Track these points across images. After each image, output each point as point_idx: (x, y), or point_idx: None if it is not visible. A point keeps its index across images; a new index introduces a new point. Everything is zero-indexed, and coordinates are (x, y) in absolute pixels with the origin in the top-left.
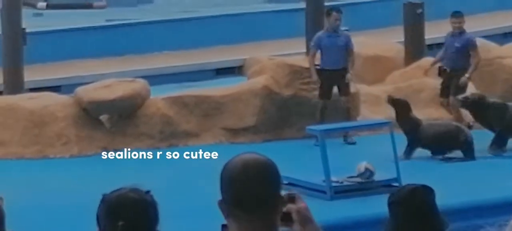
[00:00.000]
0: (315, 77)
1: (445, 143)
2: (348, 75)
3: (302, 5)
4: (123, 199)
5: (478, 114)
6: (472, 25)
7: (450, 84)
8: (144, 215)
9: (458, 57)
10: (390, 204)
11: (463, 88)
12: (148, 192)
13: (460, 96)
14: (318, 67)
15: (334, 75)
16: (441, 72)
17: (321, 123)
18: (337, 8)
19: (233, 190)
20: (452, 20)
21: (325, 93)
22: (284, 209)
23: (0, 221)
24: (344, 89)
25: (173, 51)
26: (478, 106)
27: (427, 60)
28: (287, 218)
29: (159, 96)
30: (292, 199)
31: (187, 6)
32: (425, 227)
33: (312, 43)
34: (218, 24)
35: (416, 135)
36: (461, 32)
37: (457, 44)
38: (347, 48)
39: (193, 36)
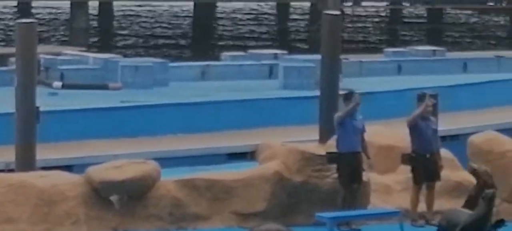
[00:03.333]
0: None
1: None
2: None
3: (316, 92)
4: None
5: None
6: (486, 118)
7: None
8: None
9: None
10: None
11: None
12: None
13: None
14: (335, 152)
15: (354, 159)
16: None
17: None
18: (355, 93)
19: None
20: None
21: (347, 178)
22: None
23: None
24: (359, 175)
25: (186, 134)
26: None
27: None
28: None
29: (170, 179)
30: None
31: (202, 91)
32: None
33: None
34: (232, 109)
35: None
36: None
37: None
38: (363, 132)
39: (206, 120)
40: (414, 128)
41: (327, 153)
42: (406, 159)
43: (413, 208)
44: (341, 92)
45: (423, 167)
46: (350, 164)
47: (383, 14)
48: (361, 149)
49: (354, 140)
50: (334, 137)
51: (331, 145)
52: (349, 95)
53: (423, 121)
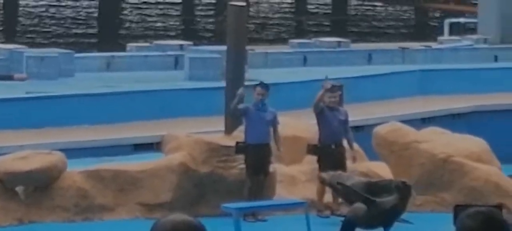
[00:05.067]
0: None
1: None
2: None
3: (222, 83)
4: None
5: None
6: (391, 109)
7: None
8: None
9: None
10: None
11: None
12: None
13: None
14: (243, 142)
15: (260, 150)
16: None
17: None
18: (262, 84)
19: None
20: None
21: (253, 169)
22: None
23: None
24: (266, 167)
25: (92, 125)
26: None
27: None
28: None
29: (76, 170)
30: None
31: (107, 81)
32: None
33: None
34: (137, 99)
35: None
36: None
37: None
38: (274, 124)
39: (112, 111)
40: (321, 118)
41: (236, 143)
42: (312, 149)
43: (319, 199)
44: (247, 83)
45: (329, 158)
46: (256, 155)
47: (288, 4)
48: (270, 140)
49: (262, 131)
50: (241, 128)
51: (237, 136)
52: (254, 87)
53: (330, 111)
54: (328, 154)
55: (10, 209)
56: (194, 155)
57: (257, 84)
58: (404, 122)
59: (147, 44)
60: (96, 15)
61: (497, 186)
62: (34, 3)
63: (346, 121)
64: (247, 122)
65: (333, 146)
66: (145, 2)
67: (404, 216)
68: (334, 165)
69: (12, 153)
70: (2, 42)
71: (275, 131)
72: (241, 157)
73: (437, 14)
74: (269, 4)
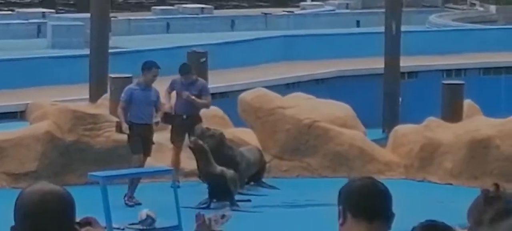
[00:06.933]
0: (125, 126)
1: None
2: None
3: (86, 51)
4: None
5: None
6: (256, 75)
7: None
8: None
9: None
10: None
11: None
12: None
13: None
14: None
15: (145, 130)
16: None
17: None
18: (156, 65)
19: (31, 223)
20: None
21: (138, 147)
22: None
23: None
24: (149, 148)
25: None
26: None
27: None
28: None
29: None
30: (88, 223)
31: None
32: None
33: (123, 95)
34: (0, 68)
35: None
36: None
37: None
38: (156, 104)
39: None
40: (175, 92)
41: (116, 122)
42: (166, 118)
43: (173, 166)
44: (111, 51)
45: (180, 128)
46: (141, 135)
47: None
48: (152, 120)
49: (147, 112)
50: (105, 96)
51: (102, 104)
52: (149, 67)
53: (183, 85)
54: (180, 124)
55: None
56: (60, 123)
57: (152, 65)
58: (268, 87)
59: (8, 12)
60: None
61: (362, 150)
62: None
63: (202, 90)
64: (132, 102)
65: (184, 117)
66: None
67: (270, 181)
68: (184, 134)
69: None
70: None
71: (157, 110)
72: (107, 125)
73: None
74: None
